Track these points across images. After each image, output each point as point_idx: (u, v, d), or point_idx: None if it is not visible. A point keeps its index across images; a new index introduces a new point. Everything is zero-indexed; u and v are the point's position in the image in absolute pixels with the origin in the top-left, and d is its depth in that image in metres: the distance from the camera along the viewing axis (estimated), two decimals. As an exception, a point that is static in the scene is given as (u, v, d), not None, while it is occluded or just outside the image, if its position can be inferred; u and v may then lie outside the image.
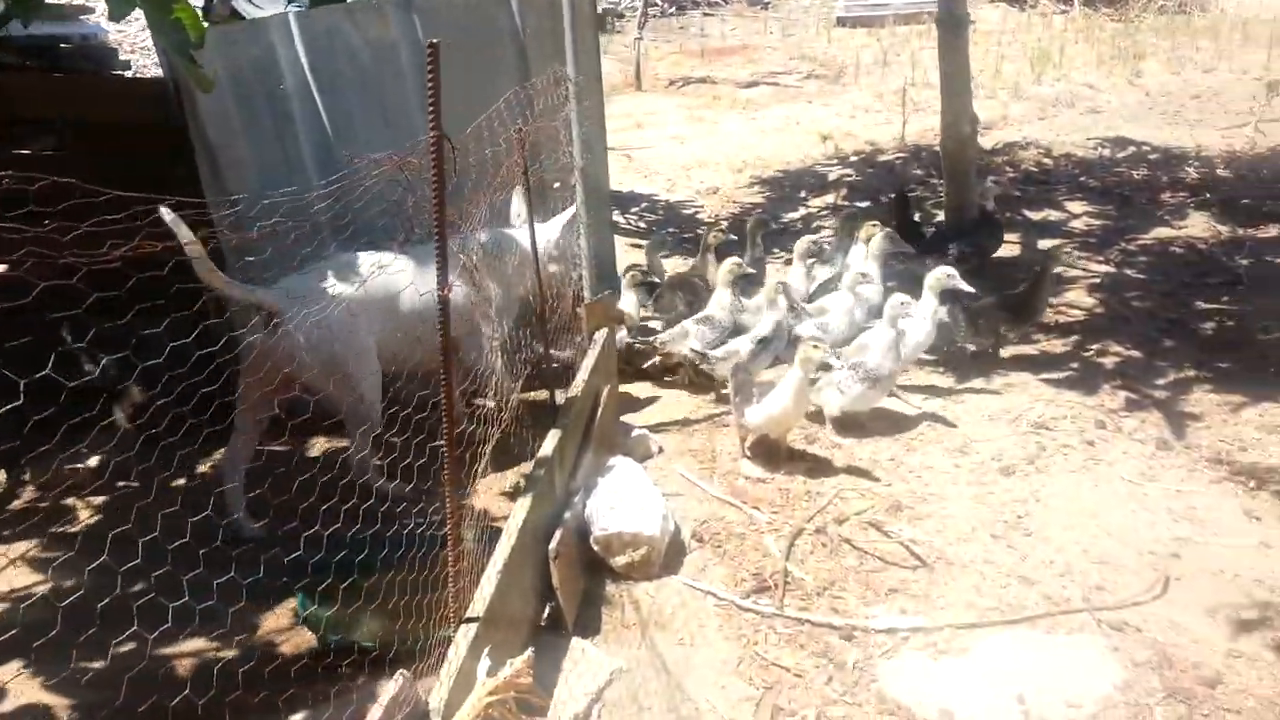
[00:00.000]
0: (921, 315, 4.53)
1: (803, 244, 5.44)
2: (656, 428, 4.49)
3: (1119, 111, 9.88)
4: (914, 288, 4.63)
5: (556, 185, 4.50)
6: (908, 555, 3.53)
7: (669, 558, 3.51)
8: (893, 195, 6.44)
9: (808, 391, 4.09)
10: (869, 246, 5.16)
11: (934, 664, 3.02)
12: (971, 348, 4.93)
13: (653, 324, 5.23)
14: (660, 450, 4.28)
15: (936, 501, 3.87)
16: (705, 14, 16.02)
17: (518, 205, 4.48)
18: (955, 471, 4.07)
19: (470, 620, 2.49)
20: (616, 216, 7.38)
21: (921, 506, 3.85)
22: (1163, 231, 6.39)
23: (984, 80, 11.17)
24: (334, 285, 3.67)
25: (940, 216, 6.35)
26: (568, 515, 3.22)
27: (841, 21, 14.76)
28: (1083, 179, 7.50)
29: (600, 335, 4.09)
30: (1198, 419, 4.30)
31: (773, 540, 3.64)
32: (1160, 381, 4.64)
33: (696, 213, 7.58)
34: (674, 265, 6.27)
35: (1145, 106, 10.05)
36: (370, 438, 3.76)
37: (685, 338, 4.71)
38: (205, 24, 3.33)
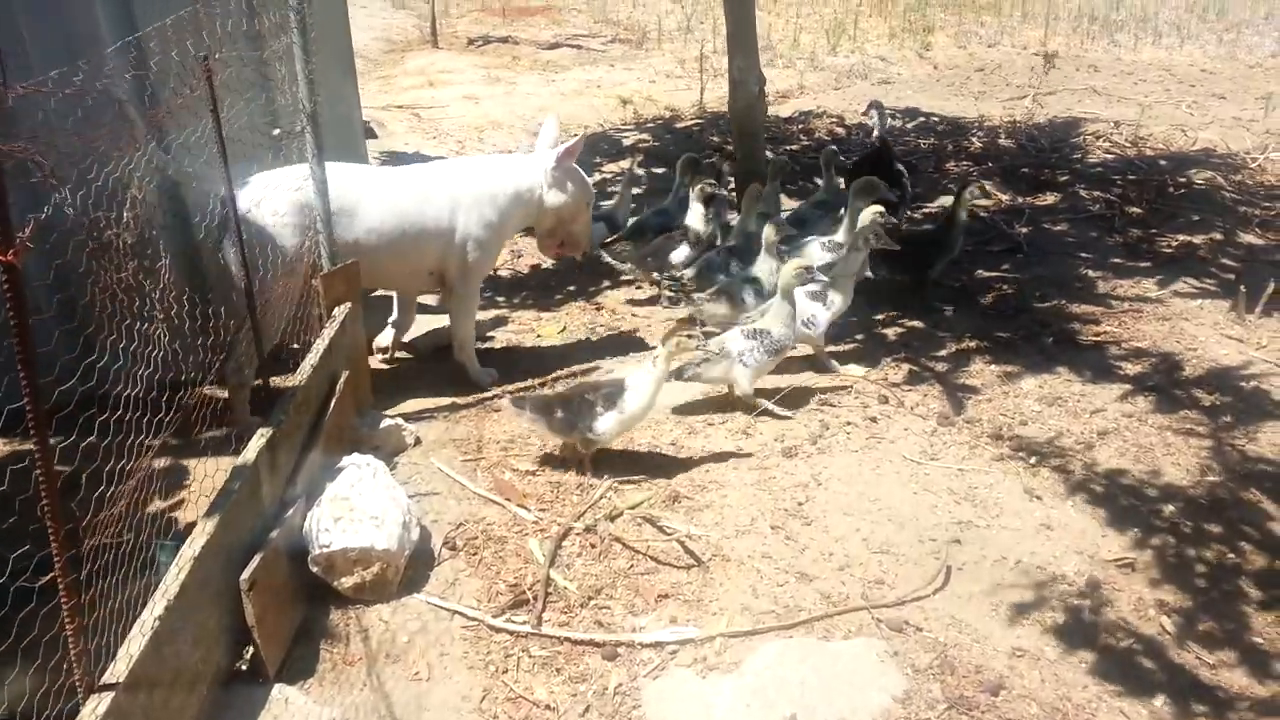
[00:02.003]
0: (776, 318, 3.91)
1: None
2: (416, 415, 3.93)
3: (909, 83, 9.90)
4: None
5: (276, 131, 3.80)
6: (682, 553, 3.13)
7: (412, 572, 2.98)
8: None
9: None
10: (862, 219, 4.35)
11: (703, 682, 2.63)
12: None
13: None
14: (417, 442, 3.73)
15: (716, 489, 3.50)
16: (511, -27, 15.24)
17: (551, 128, 4.26)
18: (737, 456, 3.71)
19: (106, 688, 1.89)
20: (396, 180, 6.69)
21: (701, 496, 3.47)
22: (948, 199, 6.27)
23: (783, 50, 11.03)
24: None
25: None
26: (275, 533, 2.62)
27: (648, -14, 14.33)
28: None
29: (340, 311, 3.47)
30: (978, 392, 4.12)
31: (537, 543, 3.17)
32: (942, 353, 4.44)
33: (485, 177, 6.96)
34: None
35: (934, 79, 10.12)
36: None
37: (724, 356, 3.86)
38: None
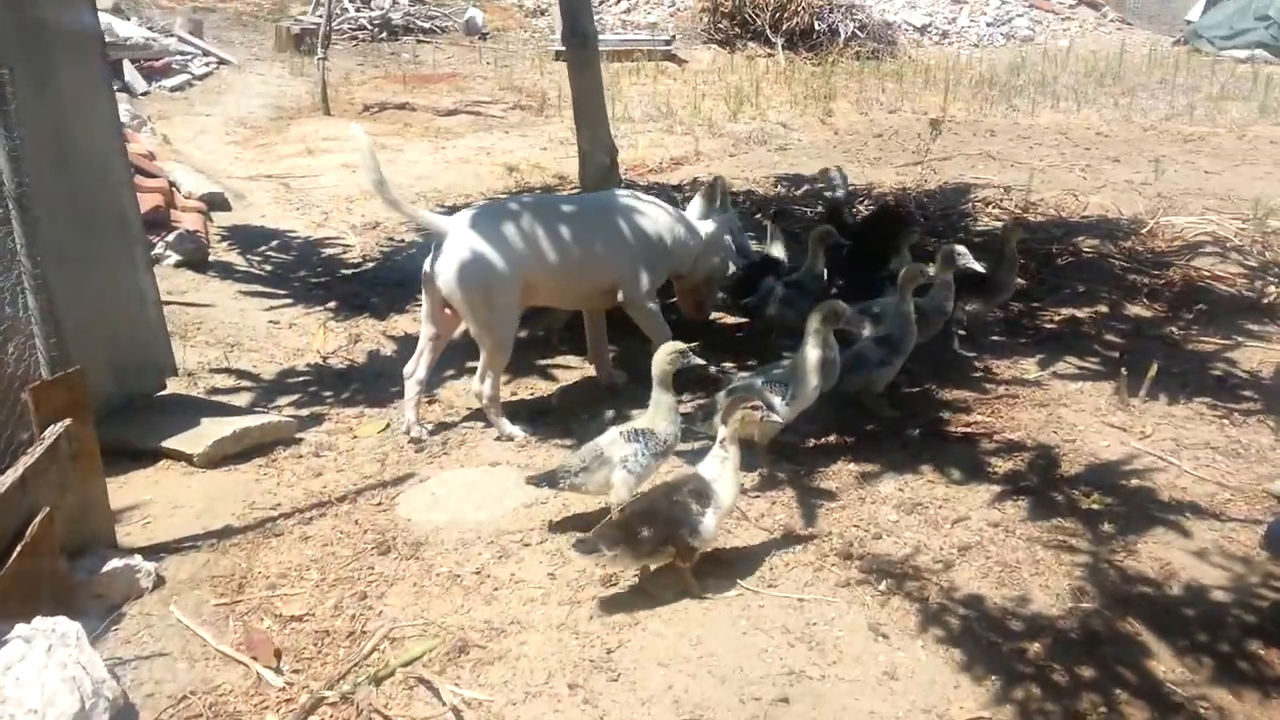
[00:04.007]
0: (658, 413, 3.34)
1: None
2: (177, 544, 3.27)
3: (806, 149, 9.56)
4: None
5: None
6: (451, 729, 2.51)
7: (92, 774, 2.31)
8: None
9: None
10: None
11: None
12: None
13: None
14: (158, 583, 3.06)
15: (516, 634, 2.89)
16: (420, 41, 14.79)
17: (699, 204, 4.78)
18: (548, 586, 3.10)
19: None
20: (237, 257, 6.06)
21: (496, 643, 2.85)
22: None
23: (684, 116, 10.68)
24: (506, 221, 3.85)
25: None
26: None
27: (559, 55, 13.98)
28: (757, 215, 6.91)
29: (53, 431, 2.82)
30: (833, 497, 3.57)
31: None
32: (799, 450, 3.90)
33: (342, 253, 6.37)
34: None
35: (831, 145, 9.79)
36: (495, 366, 3.96)
37: (604, 463, 3.28)
38: None
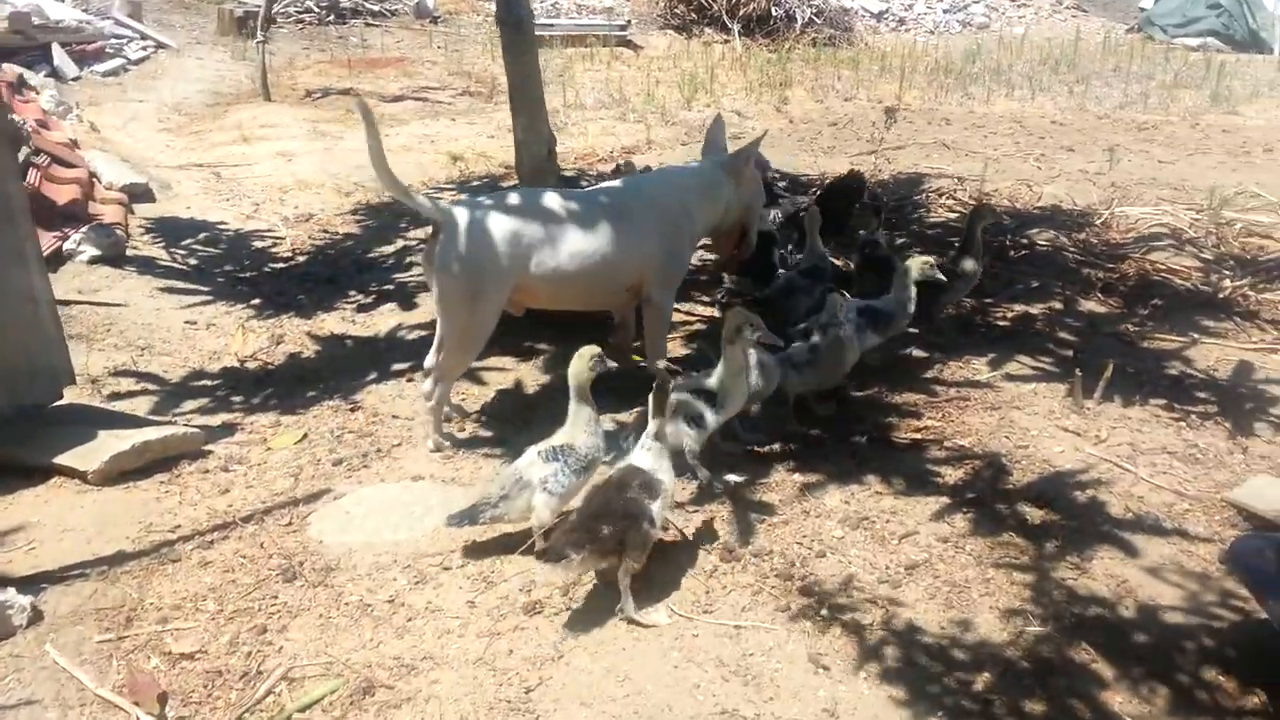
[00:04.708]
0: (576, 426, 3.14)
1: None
2: (64, 573, 2.98)
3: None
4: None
5: None
6: (345, 786, 2.26)
7: None
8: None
9: None
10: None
11: None
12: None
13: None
14: (36, 618, 2.77)
15: (428, 671, 2.64)
16: (368, 24, 14.33)
17: (719, 131, 4.47)
18: (467, 616, 2.85)
19: None
20: (159, 251, 5.72)
21: (405, 682, 2.60)
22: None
23: (637, 104, 10.38)
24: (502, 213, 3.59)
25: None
26: None
27: (512, 39, 13.60)
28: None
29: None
30: (774, 511, 3.35)
31: (150, 776, 2.26)
32: (735, 461, 3.67)
33: (271, 246, 6.04)
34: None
35: (786, 133, 9.57)
36: (454, 370, 3.72)
37: (524, 487, 3.05)
38: None
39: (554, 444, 3.04)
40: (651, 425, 2.97)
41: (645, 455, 2.94)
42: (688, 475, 3.39)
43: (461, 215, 3.57)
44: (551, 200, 3.80)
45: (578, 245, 3.71)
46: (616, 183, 4.23)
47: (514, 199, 3.75)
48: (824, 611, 2.85)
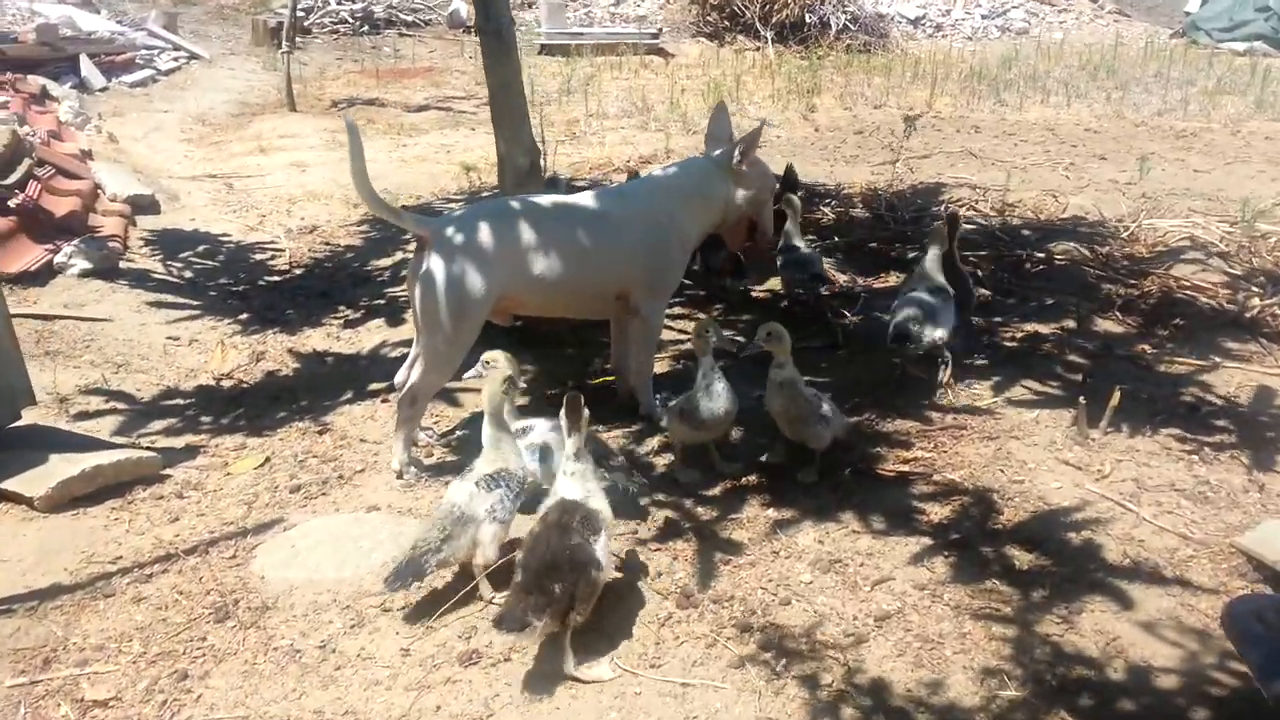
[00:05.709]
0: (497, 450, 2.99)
1: None
2: (-11, 608, 2.84)
3: (783, 146, 9.03)
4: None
5: None
6: None
7: None
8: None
9: None
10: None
11: None
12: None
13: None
14: (-54, 662, 2.63)
15: (345, 726, 2.44)
16: (402, 34, 14.32)
17: (723, 122, 4.12)
18: (398, 666, 2.65)
19: None
20: (156, 264, 5.62)
21: (319, 738, 2.40)
22: (775, 282, 5.32)
23: (660, 112, 10.16)
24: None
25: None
26: None
27: (544, 49, 13.48)
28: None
29: None
30: (742, 551, 3.10)
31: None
32: (705, 493, 3.43)
33: (271, 258, 5.92)
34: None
35: (810, 142, 9.28)
36: (430, 388, 3.55)
37: (467, 522, 2.84)
38: None
39: (487, 472, 2.84)
40: (569, 445, 2.73)
41: (570, 482, 2.72)
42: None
43: (445, 229, 3.44)
44: (533, 209, 3.64)
45: (558, 254, 3.57)
46: (594, 190, 4.03)
47: (496, 209, 3.61)
48: (779, 667, 2.59)
